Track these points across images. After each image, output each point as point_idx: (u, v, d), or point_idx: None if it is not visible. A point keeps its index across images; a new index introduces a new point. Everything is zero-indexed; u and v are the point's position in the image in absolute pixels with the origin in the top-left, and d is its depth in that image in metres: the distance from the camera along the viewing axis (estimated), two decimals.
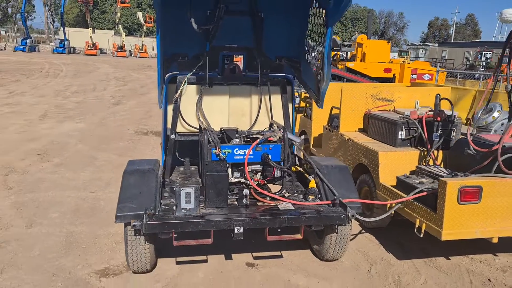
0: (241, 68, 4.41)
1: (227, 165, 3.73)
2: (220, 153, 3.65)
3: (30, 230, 4.53)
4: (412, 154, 4.69)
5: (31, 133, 9.26)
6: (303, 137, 7.07)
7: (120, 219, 3.27)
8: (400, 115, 5.14)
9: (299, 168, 4.41)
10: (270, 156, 3.74)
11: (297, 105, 7.65)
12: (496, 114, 5.53)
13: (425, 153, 4.67)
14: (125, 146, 8.49)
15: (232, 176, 3.85)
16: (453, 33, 66.09)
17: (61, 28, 53.75)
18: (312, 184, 3.87)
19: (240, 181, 3.85)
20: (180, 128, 4.31)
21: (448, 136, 4.73)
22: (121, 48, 47.98)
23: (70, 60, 37.50)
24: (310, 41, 4.06)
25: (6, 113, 11.64)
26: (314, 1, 3.87)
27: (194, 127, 4.28)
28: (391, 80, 17.83)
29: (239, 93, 4.40)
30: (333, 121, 6.01)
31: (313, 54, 3.98)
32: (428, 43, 55.01)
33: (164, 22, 3.71)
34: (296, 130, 7.77)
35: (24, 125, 10.08)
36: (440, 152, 4.73)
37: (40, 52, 49.25)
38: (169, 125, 4.27)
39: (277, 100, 4.46)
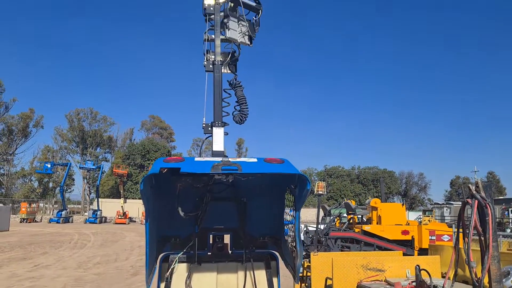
0: (228, 246, 4.87)
1: None
2: None
3: None
4: None
5: None
6: None
7: None
8: (388, 286, 5.31)
9: None
10: None
11: (301, 274, 7.81)
12: None
13: None
14: None
15: None
16: None
17: (96, 199, 56.98)
18: None
19: None
20: None
21: None
22: None
23: (99, 229, 38.91)
24: (286, 221, 4.57)
25: (27, 287, 11.99)
26: (287, 188, 4.50)
27: None
28: (410, 242, 17.73)
29: (226, 270, 4.77)
30: None
31: (289, 233, 4.45)
32: (452, 202, 55.02)
33: (155, 209, 4.34)
34: None
35: None
36: None
37: (73, 222, 51.44)
38: None
39: (261, 274, 4.78)
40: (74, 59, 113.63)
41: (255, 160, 3.92)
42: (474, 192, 4.52)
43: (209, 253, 4.83)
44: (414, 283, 5.02)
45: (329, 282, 6.28)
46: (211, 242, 4.88)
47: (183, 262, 4.71)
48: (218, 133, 5.18)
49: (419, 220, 30.56)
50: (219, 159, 3.93)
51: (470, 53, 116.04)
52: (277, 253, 4.95)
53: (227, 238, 5.01)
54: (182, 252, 4.67)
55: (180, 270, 4.69)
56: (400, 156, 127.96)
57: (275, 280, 4.84)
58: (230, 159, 3.88)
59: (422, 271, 4.94)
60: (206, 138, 5.30)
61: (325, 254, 7.61)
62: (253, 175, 4.31)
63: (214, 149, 5.03)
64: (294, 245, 4.20)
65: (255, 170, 3.81)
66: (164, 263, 4.70)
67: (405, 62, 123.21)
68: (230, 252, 4.87)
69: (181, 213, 4.20)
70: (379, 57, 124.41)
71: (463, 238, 4.42)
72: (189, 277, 4.67)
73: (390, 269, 5.93)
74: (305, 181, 3.78)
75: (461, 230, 4.59)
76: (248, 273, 4.78)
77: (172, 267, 4.59)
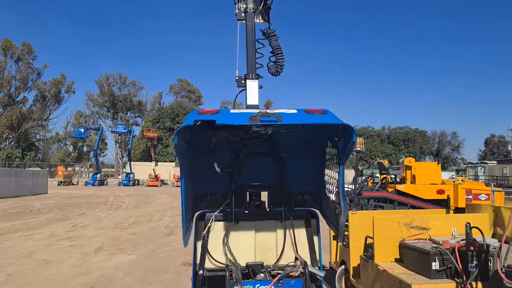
0: (266, 203, 4.68)
1: None
2: None
3: None
4: (448, 287, 4.48)
5: (84, 267, 9.69)
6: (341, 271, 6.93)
7: None
8: (434, 245, 5.03)
9: None
10: None
11: None
12: None
13: (462, 285, 4.45)
14: (170, 278, 8.63)
15: None
16: None
17: (128, 162, 58.29)
18: None
19: None
20: (208, 264, 4.48)
21: (485, 266, 4.52)
22: None
23: (133, 191, 39.90)
24: (328, 177, 4.31)
25: (66, 246, 12.36)
26: (329, 141, 4.21)
27: (221, 263, 4.44)
28: (446, 201, 17.32)
29: (264, 228, 4.59)
30: (368, 250, 5.93)
31: (331, 189, 4.19)
32: (486, 161, 53.55)
33: (190, 167, 4.15)
34: (338, 259, 7.64)
35: (79, 259, 10.60)
36: (479, 284, 4.49)
37: (108, 185, 52.96)
38: (198, 261, 4.46)
39: (302, 233, 4.59)
40: (101, 23, 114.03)
41: (295, 111, 3.63)
42: None
43: (246, 211, 4.66)
44: (463, 242, 4.71)
45: (369, 240, 6.05)
46: (247, 200, 4.69)
47: (219, 220, 4.56)
48: (252, 86, 4.90)
49: (452, 180, 29.92)
50: (256, 110, 3.67)
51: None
52: (317, 211, 4.73)
53: (264, 196, 4.82)
54: (218, 210, 4.51)
55: (216, 228, 4.55)
56: (432, 115, 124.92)
57: (315, 238, 4.64)
58: (268, 110, 3.61)
59: (473, 229, 4.63)
60: (239, 92, 5.03)
61: (365, 212, 7.36)
62: (293, 126, 4.04)
63: (248, 102, 4.77)
64: (337, 201, 3.95)
65: (295, 121, 3.52)
66: (200, 221, 4.56)
67: (437, 16, 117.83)
68: (268, 210, 4.68)
69: (217, 169, 3.97)
70: (410, 13, 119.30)
71: None
72: (226, 235, 4.52)
73: (434, 228, 5.63)
74: (351, 131, 3.47)
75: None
76: (287, 231, 4.59)
77: (208, 225, 4.44)
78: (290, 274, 3.88)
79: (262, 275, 4.01)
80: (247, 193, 4.63)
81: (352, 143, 3.57)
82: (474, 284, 4.47)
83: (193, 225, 4.41)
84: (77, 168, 67.16)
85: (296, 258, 4.45)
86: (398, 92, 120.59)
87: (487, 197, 16.89)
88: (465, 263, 4.53)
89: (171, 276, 8.85)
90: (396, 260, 5.58)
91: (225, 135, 4.08)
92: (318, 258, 4.60)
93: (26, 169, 48.09)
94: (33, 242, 13.10)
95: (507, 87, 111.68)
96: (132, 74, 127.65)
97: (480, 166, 47.98)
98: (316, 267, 4.33)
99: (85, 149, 77.14)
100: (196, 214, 4.57)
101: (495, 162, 49.79)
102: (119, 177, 63.99)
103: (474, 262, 4.50)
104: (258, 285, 3.81)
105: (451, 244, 4.80)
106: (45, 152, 74.30)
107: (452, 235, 5.47)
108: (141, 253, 11.44)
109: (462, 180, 27.09)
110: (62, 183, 51.32)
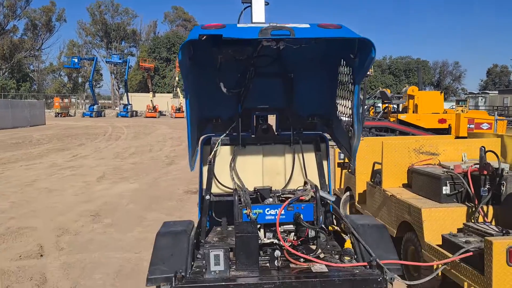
0: (274, 127, 4.47)
1: (259, 225, 3.69)
2: (250, 214, 3.63)
3: None
4: (459, 211, 4.42)
5: (87, 195, 9.72)
6: (346, 195, 6.90)
7: (151, 282, 3.28)
8: (444, 169, 4.92)
9: (336, 227, 4.27)
10: (301, 216, 3.67)
11: (342, 161, 7.54)
12: None
13: (473, 209, 4.39)
14: (173, 206, 8.67)
15: (265, 237, 3.79)
16: None
17: (125, 93, 57.66)
18: (348, 245, 3.72)
19: (273, 242, 3.79)
20: (215, 189, 4.36)
21: (497, 191, 4.43)
22: (178, 109, 50.18)
23: (132, 123, 39.78)
24: (340, 98, 4.06)
25: (68, 175, 12.37)
26: (342, 60, 3.92)
27: (228, 188, 4.32)
28: (447, 130, 17.25)
29: (272, 153, 4.43)
30: (376, 176, 5.84)
31: (343, 111, 3.96)
32: (487, 91, 53.07)
33: (195, 87, 3.89)
34: (342, 186, 7.62)
35: (82, 187, 10.63)
36: (490, 207, 4.42)
37: (105, 116, 52.76)
38: (204, 186, 4.34)
39: (311, 158, 4.43)
40: None
41: (307, 25, 3.31)
42: None
43: (252, 136, 4.47)
44: (477, 166, 4.59)
45: (377, 166, 5.96)
46: (254, 124, 4.48)
47: (226, 144, 4.38)
48: (258, 2, 4.51)
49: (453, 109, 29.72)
50: (266, 24, 3.34)
51: None
52: (327, 135, 4.54)
53: (271, 121, 4.61)
54: (225, 134, 4.31)
55: (223, 153, 4.38)
56: (434, 45, 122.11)
57: (325, 163, 4.50)
58: (278, 24, 3.28)
59: (488, 153, 4.48)
60: (244, 9, 4.64)
61: (372, 138, 7.22)
62: (305, 42, 3.72)
63: (254, 20, 4.40)
64: (350, 123, 3.74)
65: (310, 34, 3.22)
66: (206, 145, 4.38)
67: None
68: (276, 134, 4.48)
69: (223, 89, 3.69)
70: None
71: None
72: (233, 160, 4.36)
73: (444, 153, 5.50)
74: (370, 46, 3.17)
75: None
76: (296, 155, 4.43)
77: (215, 149, 4.27)
78: (301, 198, 3.75)
79: (270, 199, 3.89)
80: (254, 116, 4.41)
81: (370, 59, 3.29)
82: (485, 208, 4.40)
83: (199, 149, 4.23)
84: (73, 100, 66.56)
85: (305, 183, 4.33)
86: (399, 21, 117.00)
87: (489, 126, 16.79)
88: (477, 187, 4.44)
89: (175, 203, 8.89)
90: (404, 186, 5.52)
91: (232, 52, 3.77)
92: (327, 183, 4.49)
93: (23, 100, 47.54)
94: (34, 171, 13.11)
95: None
96: (125, 2, 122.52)
97: (481, 96, 47.59)
98: (326, 192, 4.22)
99: (80, 80, 75.95)
100: (202, 138, 4.38)
101: (497, 92, 49.33)
102: (116, 108, 63.64)
103: (487, 186, 4.41)
104: (268, 208, 3.69)
105: (463, 168, 4.68)
106: (40, 83, 73.23)
107: (462, 161, 5.35)
108: (143, 181, 11.47)
109: (462, 111, 26.92)
110: (59, 115, 51.08)
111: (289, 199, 3.72)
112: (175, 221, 3.96)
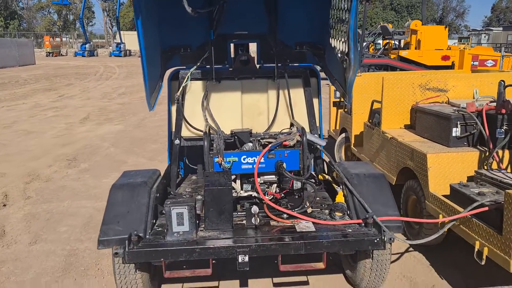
0: (255, 58, 3.76)
1: (234, 176, 3.10)
2: (223, 162, 3.02)
3: (32, 248, 4.15)
4: (470, 156, 3.81)
5: (67, 137, 9.12)
6: (342, 138, 6.28)
7: (103, 244, 2.74)
8: (454, 108, 4.26)
9: (327, 177, 3.68)
10: (284, 165, 3.06)
11: (338, 99, 6.87)
12: None
13: (487, 154, 3.77)
14: (157, 149, 8.09)
15: (242, 189, 3.21)
16: None
17: (118, 32, 55.49)
18: (340, 198, 3.14)
19: (251, 195, 3.21)
20: (186, 132, 3.73)
21: None
22: None
23: (125, 62, 38.47)
24: (334, 22, 3.33)
25: (50, 116, 11.73)
26: None
27: (200, 130, 3.69)
28: (450, 68, 16.38)
29: (253, 89, 3.75)
30: (374, 116, 5.20)
31: (338, 37, 3.24)
32: (491, 28, 51.05)
33: (152, 6, 3.14)
34: (337, 127, 7.00)
35: (63, 129, 10.02)
36: (507, 152, 3.80)
37: (98, 56, 51.16)
38: (173, 129, 3.71)
39: (299, 94, 3.77)
40: None
41: None
42: None
43: (230, 68, 3.76)
44: (493, 104, 3.92)
45: (376, 105, 5.29)
46: (232, 54, 3.77)
47: (197, 79, 3.69)
48: None
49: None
50: None
51: None
52: (318, 68, 3.84)
53: (253, 50, 3.88)
54: (195, 67, 3.61)
55: (194, 89, 3.71)
56: None
57: (315, 101, 3.83)
58: None
59: (508, 88, 3.80)
60: None
61: (372, 74, 6.50)
62: None
63: None
64: (345, 52, 3.04)
65: None
66: (174, 81, 3.70)
67: None
68: (257, 66, 3.78)
69: (187, 8, 2.94)
70: None
71: None
72: (205, 97, 3.69)
73: (454, 89, 4.82)
74: None
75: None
76: (281, 92, 3.76)
77: (183, 85, 3.59)
78: (284, 143, 3.13)
79: (250, 144, 3.28)
80: (231, 45, 3.68)
81: None
82: (500, 152, 3.78)
83: (162, 84, 3.55)
84: (65, 39, 64.30)
85: (291, 125, 3.69)
86: None
87: (494, 63, 15.92)
88: (493, 128, 3.80)
89: (159, 146, 8.30)
90: (406, 127, 4.88)
91: None
92: (318, 124, 3.86)
93: (11, 38, 45.74)
94: (15, 112, 12.45)
95: None
96: None
97: (484, 33, 45.64)
98: (315, 135, 3.59)
99: (71, 17, 73.10)
100: (169, 72, 3.69)
101: (501, 29, 47.36)
102: (109, 47, 61.58)
103: (504, 127, 3.76)
104: (245, 156, 3.08)
105: (477, 106, 4.02)
106: (30, 22, 70.51)
107: (474, 98, 4.68)
108: (129, 123, 10.85)
109: (464, 48, 25.79)
110: (51, 54, 49.39)
111: (270, 145, 3.09)
112: (137, 170, 3.36)
